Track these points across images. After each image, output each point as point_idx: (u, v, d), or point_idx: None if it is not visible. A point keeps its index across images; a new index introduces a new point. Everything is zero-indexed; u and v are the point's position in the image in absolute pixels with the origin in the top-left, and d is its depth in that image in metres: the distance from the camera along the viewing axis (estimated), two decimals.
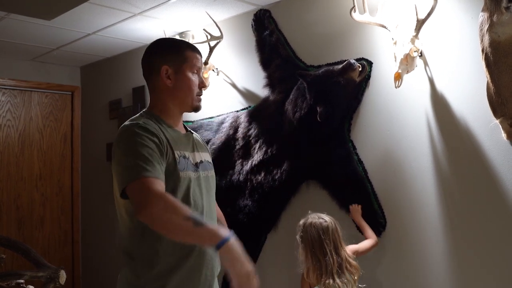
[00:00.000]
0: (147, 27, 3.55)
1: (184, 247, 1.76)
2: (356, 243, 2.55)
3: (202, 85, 1.91)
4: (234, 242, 1.47)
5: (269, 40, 3.16)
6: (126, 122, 1.81)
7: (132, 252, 1.76)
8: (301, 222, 2.47)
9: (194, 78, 1.87)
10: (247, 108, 3.31)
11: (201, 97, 1.92)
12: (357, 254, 2.47)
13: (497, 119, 2.17)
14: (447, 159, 2.41)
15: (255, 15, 3.24)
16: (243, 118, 3.27)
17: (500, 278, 2.24)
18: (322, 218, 2.42)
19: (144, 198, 1.57)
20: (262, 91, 3.21)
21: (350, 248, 2.45)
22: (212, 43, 3.32)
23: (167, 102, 1.87)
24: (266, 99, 3.18)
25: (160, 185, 1.62)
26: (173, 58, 1.85)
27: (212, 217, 1.92)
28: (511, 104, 2.06)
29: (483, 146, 2.28)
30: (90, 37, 3.77)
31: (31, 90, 4.50)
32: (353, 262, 2.37)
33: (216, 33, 3.27)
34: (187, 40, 3.52)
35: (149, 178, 1.60)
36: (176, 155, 1.77)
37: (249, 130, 3.21)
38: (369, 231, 2.57)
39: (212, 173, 1.99)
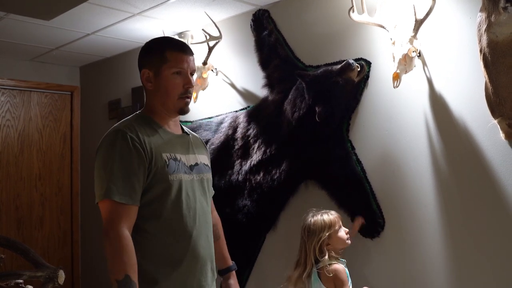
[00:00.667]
0: (146, 27, 3.55)
1: (176, 252, 1.74)
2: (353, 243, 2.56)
3: (188, 85, 1.82)
4: None
5: (268, 40, 3.16)
6: (115, 125, 1.81)
7: None
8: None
9: (175, 79, 1.79)
10: (246, 108, 3.31)
11: (188, 99, 1.83)
12: (339, 282, 2.37)
13: (495, 119, 2.17)
14: (446, 159, 2.41)
15: (254, 15, 3.24)
16: (242, 118, 3.27)
17: (498, 277, 2.24)
18: (314, 217, 2.47)
19: (106, 225, 1.64)
20: (261, 91, 3.22)
21: (334, 268, 2.38)
22: (211, 43, 3.33)
23: (155, 104, 1.84)
24: (265, 99, 3.18)
25: (128, 216, 1.65)
26: (152, 60, 1.80)
27: (207, 221, 1.88)
28: (509, 104, 2.07)
29: (481, 146, 2.29)
30: (89, 37, 3.77)
31: (31, 90, 4.50)
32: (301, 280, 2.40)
33: (215, 33, 3.27)
34: (185, 40, 3.54)
35: (118, 205, 1.64)
36: (165, 158, 1.74)
37: (248, 130, 3.21)
38: None
39: (208, 176, 1.94)
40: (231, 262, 2.12)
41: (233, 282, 2.08)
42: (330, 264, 2.39)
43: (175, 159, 1.78)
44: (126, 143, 1.70)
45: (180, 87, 1.80)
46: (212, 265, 1.87)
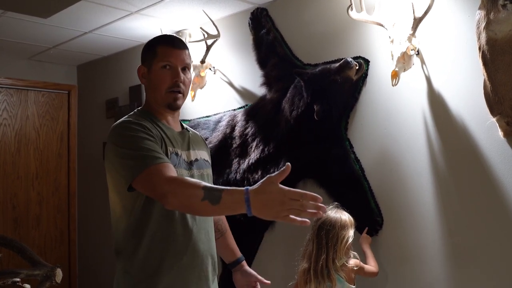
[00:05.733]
0: (144, 26, 3.54)
1: (177, 247, 1.75)
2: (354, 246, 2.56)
3: (176, 79, 1.78)
4: (253, 190, 1.40)
5: (266, 38, 3.16)
6: (118, 121, 1.81)
7: (126, 250, 1.76)
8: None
9: (164, 73, 1.79)
10: (244, 106, 3.31)
11: (176, 93, 1.80)
12: (361, 272, 2.42)
13: (493, 117, 2.17)
14: (444, 157, 2.41)
15: (252, 13, 3.23)
16: (240, 116, 3.27)
17: (496, 275, 2.24)
18: (337, 214, 2.40)
19: (160, 188, 1.55)
20: (259, 90, 3.21)
21: (355, 262, 2.40)
22: (209, 42, 3.32)
23: (150, 100, 1.86)
24: (263, 98, 3.18)
25: (170, 169, 1.60)
26: (146, 56, 1.84)
27: (207, 217, 1.89)
28: (507, 102, 2.07)
29: (480, 144, 2.29)
30: (87, 35, 3.76)
31: (28, 89, 4.49)
32: (331, 272, 2.31)
33: (213, 31, 3.27)
34: (183, 39, 3.53)
35: (157, 165, 1.59)
36: (168, 151, 1.75)
37: (246, 128, 3.21)
38: (372, 261, 2.51)
39: (208, 171, 1.96)
40: (239, 254, 2.15)
41: (246, 268, 2.14)
42: (347, 261, 2.38)
43: (176, 154, 1.78)
44: (139, 127, 1.70)
45: (168, 81, 1.78)
46: (212, 261, 1.86)
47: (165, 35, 1.97)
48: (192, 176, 1.82)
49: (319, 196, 1.37)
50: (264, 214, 1.38)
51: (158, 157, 1.62)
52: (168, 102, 1.80)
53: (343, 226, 2.35)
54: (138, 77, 1.87)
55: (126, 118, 1.80)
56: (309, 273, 2.35)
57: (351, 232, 2.37)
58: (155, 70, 1.80)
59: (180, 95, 1.81)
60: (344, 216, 2.39)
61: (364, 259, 2.52)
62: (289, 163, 1.41)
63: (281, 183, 1.39)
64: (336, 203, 2.51)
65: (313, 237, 2.40)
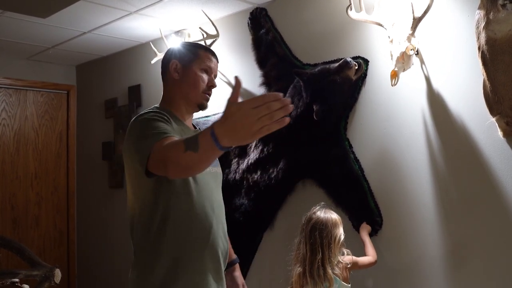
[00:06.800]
0: (143, 26, 3.54)
1: (198, 241, 1.77)
2: (351, 245, 2.55)
3: (211, 84, 1.94)
4: (217, 122, 1.32)
5: (265, 38, 3.15)
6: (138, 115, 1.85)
7: (146, 247, 1.76)
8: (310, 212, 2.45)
9: (203, 76, 1.91)
10: None
11: (209, 96, 1.95)
12: (356, 266, 2.42)
13: (493, 117, 2.17)
14: (444, 157, 2.41)
15: (251, 13, 3.23)
16: None
17: (497, 275, 2.24)
18: (326, 214, 2.40)
19: (162, 160, 1.54)
20: (258, 90, 3.21)
21: (348, 258, 2.40)
22: (208, 42, 3.32)
23: (175, 96, 1.92)
24: None
25: (168, 140, 1.59)
26: (183, 54, 1.92)
27: (223, 213, 1.94)
28: (507, 102, 2.06)
29: (479, 144, 2.28)
30: (86, 35, 3.76)
31: (27, 89, 4.49)
32: (328, 271, 2.29)
33: (212, 31, 3.26)
34: (182, 39, 3.54)
35: (161, 140, 1.60)
36: None
37: None
38: (370, 249, 2.51)
39: (219, 170, 2.02)
40: (234, 256, 2.20)
41: (238, 274, 2.19)
42: (341, 259, 2.37)
43: None
44: (156, 117, 1.74)
45: (205, 83, 1.92)
46: (226, 256, 1.91)
47: (203, 45, 2.11)
48: (206, 173, 1.83)
49: (279, 93, 1.26)
50: (237, 139, 1.27)
51: (163, 132, 1.64)
52: (201, 102, 1.93)
53: (334, 225, 2.37)
54: (169, 70, 1.92)
55: (147, 112, 1.81)
56: (305, 276, 2.35)
57: (342, 230, 2.39)
58: (194, 70, 1.90)
59: (209, 97, 1.96)
60: (334, 215, 2.41)
61: (362, 247, 2.53)
62: (237, 76, 1.31)
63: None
64: (323, 203, 2.51)
65: (305, 240, 2.39)
